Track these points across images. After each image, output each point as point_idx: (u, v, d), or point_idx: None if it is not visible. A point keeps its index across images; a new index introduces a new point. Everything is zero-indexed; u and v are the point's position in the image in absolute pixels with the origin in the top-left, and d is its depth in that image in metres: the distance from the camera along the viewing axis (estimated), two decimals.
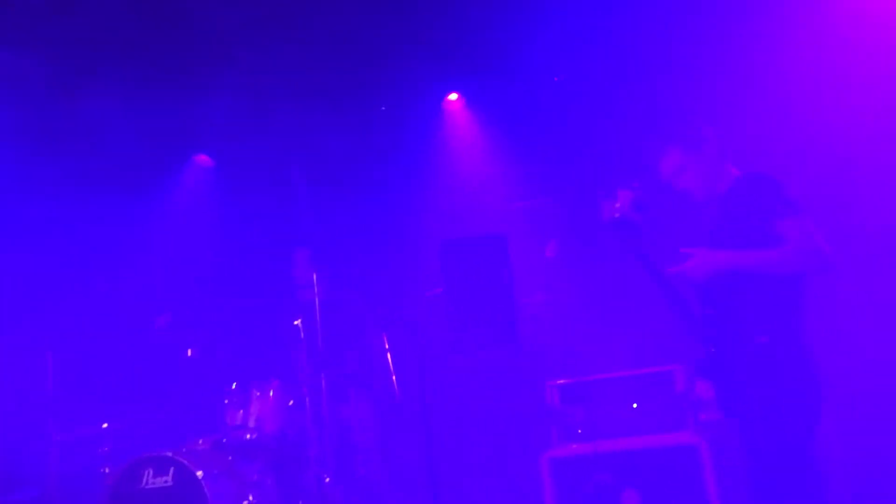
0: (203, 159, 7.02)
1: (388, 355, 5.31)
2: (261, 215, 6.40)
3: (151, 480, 4.65)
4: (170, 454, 4.63)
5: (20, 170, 5.94)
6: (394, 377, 5.31)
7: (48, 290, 6.13)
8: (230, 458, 4.91)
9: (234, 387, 5.12)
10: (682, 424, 4.43)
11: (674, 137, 3.17)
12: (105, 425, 5.21)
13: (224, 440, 4.98)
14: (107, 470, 5.09)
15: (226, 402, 5.10)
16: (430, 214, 5.95)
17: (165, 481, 4.61)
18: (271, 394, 5.08)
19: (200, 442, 4.97)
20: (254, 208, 6.47)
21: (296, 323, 5.05)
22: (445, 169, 6.24)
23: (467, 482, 4.60)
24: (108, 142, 6.10)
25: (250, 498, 4.72)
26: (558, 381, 4.48)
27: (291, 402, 5.11)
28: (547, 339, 5.04)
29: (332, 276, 5.39)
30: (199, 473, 4.54)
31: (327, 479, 4.91)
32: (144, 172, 6.58)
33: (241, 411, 5.04)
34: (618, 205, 3.07)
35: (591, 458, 4.17)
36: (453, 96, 6.45)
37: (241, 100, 6.12)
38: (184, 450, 4.79)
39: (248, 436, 4.96)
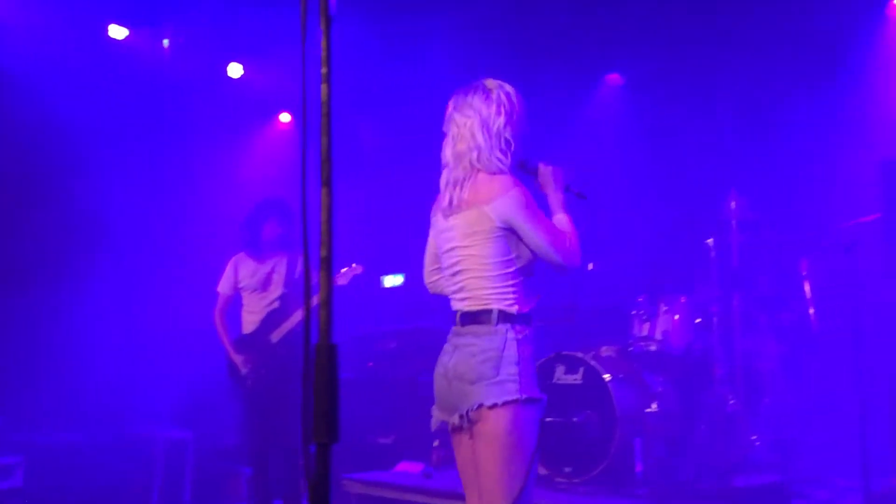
0: (614, 78, 7.17)
1: (807, 283, 5.01)
2: (672, 131, 6.35)
3: (562, 377, 5.04)
4: (581, 355, 4.96)
5: None
6: (811, 307, 5.01)
7: None
8: (635, 366, 5.10)
9: (641, 299, 5.28)
10: None
11: None
12: None
13: (630, 349, 5.18)
14: None
15: (633, 313, 5.28)
16: (869, 133, 5.36)
17: (575, 379, 4.97)
18: (679, 309, 5.14)
19: (607, 348, 5.23)
20: (665, 125, 6.44)
21: (708, 241, 4.99)
22: (891, 82, 5.54)
23: (894, 425, 4.21)
24: (530, 59, 6.53)
25: (653, 406, 4.88)
26: None
27: (699, 321, 5.12)
28: None
29: (753, 195, 5.19)
30: (607, 377, 4.80)
31: (731, 402, 4.86)
32: (559, 90, 6.90)
33: (648, 323, 5.18)
34: None
35: None
36: None
37: (655, 18, 6.07)
38: (593, 353, 5.09)
39: (654, 348, 5.10)
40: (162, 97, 6.77)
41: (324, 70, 1.27)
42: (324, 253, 1.25)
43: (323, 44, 1.27)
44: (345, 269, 5.05)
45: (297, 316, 4.95)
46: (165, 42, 6.81)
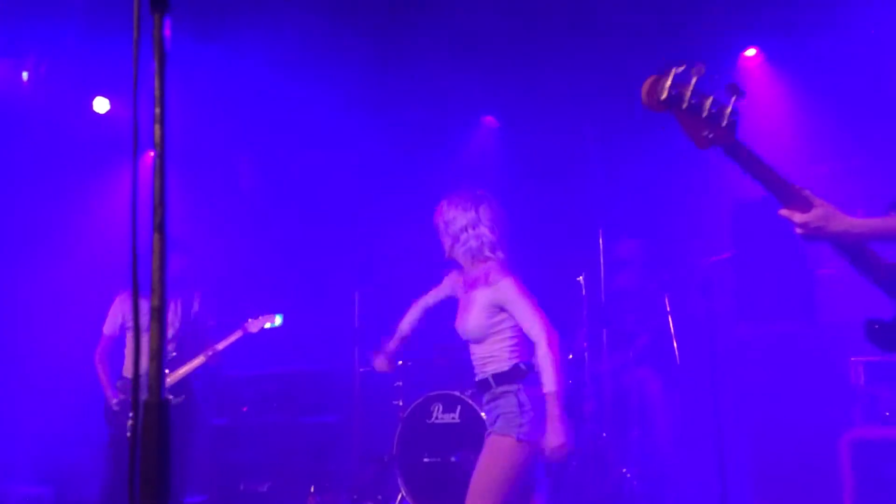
0: (489, 120, 7.34)
1: (670, 318, 5.22)
2: (544, 173, 6.54)
3: (440, 416, 5.03)
4: (458, 394, 4.97)
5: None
6: (674, 341, 5.22)
7: (357, 235, 6.81)
8: None
9: None
10: None
11: None
12: (400, 363, 5.69)
13: None
14: (399, 402, 5.58)
15: None
16: (722, 175, 5.69)
17: (452, 418, 4.97)
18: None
19: None
20: (537, 167, 6.63)
21: (578, 279, 5.13)
22: (740, 128, 5.91)
23: (754, 455, 4.43)
24: (411, 103, 6.61)
25: None
26: (864, 359, 4.14)
27: (571, 356, 5.23)
28: (849, 312, 4.65)
29: (620, 234, 5.39)
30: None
31: (603, 435, 4.98)
32: (436, 131, 7.02)
33: None
34: None
35: None
36: (751, 52, 6.08)
37: (527, 61, 6.28)
38: (469, 392, 5.10)
39: None
40: (22, 132, 6.40)
41: (157, 110, 1.22)
42: (155, 302, 1.19)
43: (156, 82, 1.22)
44: (251, 320, 4.96)
45: (198, 360, 4.73)
46: (24, 74, 6.45)
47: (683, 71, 1.86)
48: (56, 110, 6.60)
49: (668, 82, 1.83)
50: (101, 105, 6.87)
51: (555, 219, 6.23)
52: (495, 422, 3.23)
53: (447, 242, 3.36)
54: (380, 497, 5.15)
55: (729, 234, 4.81)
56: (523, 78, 6.54)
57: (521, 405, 3.13)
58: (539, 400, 3.14)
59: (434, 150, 7.10)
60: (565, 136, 6.36)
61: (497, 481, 3.07)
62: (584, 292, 5.16)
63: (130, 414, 4.62)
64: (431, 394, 5.08)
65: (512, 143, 7.09)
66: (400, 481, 5.04)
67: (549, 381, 3.10)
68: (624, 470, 4.95)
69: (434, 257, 6.41)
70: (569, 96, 6.39)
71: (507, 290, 3.17)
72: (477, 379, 3.37)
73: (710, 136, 1.91)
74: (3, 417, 5.94)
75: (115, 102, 6.94)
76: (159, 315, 1.19)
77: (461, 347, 5.73)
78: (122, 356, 4.90)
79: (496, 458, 3.10)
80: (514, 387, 3.17)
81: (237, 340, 4.91)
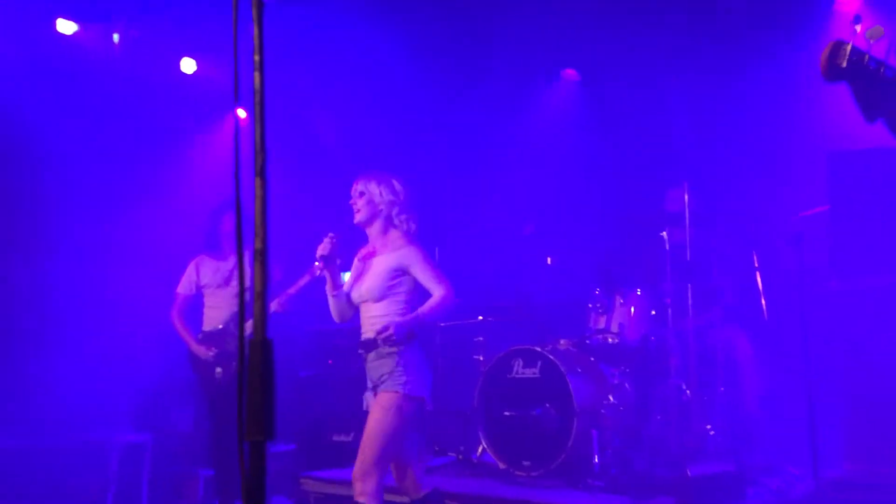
0: (570, 73, 7.20)
1: (758, 274, 5.08)
2: (627, 126, 6.39)
3: (521, 370, 5.06)
4: (539, 349, 4.98)
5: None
6: (763, 298, 5.08)
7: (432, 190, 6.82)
8: (592, 358, 5.13)
9: (597, 292, 5.31)
10: None
11: None
12: (480, 318, 5.73)
13: (587, 342, 5.21)
14: (480, 357, 5.64)
15: (590, 306, 5.31)
16: (817, 124, 5.44)
17: (533, 373, 4.99)
18: (634, 302, 5.18)
19: (565, 342, 5.25)
20: (619, 120, 6.49)
21: (662, 234, 5.03)
22: None
23: (848, 414, 4.30)
24: (485, 55, 6.54)
25: (610, 398, 4.92)
26: None
27: (654, 312, 5.16)
28: None
29: (704, 188, 5.25)
30: (564, 369, 4.82)
31: (687, 392, 4.92)
32: (515, 85, 6.93)
33: (605, 316, 5.22)
34: None
35: None
36: None
37: (608, 13, 6.11)
38: (550, 347, 5.11)
39: (610, 340, 5.14)
40: (114, 93, 6.62)
41: (256, 58, 1.25)
42: (258, 245, 1.23)
43: (255, 32, 1.24)
44: (317, 263, 5.18)
45: (272, 307, 4.96)
46: (115, 37, 6.66)
47: (860, 35, 1.74)
48: (145, 71, 6.80)
49: (849, 48, 1.70)
50: (188, 66, 7.05)
51: (638, 173, 6.10)
52: (381, 379, 3.49)
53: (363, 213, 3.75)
54: (462, 448, 5.23)
55: (824, 187, 4.61)
56: (604, 30, 6.37)
57: (405, 364, 3.46)
58: (423, 362, 3.54)
59: (514, 104, 7.02)
60: (648, 87, 6.19)
61: (385, 432, 3.37)
62: (667, 247, 5.06)
63: (218, 367, 4.92)
64: (512, 348, 5.11)
65: (593, 96, 6.95)
66: (481, 434, 5.11)
67: (426, 308, 3.53)
68: (708, 426, 4.89)
69: (507, 212, 6.41)
70: (651, 47, 6.20)
71: (412, 255, 3.57)
72: (363, 338, 3.61)
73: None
74: (104, 369, 6.26)
75: (201, 63, 7.11)
76: (262, 258, 1.23)
77: (542, 304, 5.76)
78: (195, 314, 5.22)
79: (385, 411, 3.40)
80: (398, 348, 3.47)
81: (307, 285, 5.07)
